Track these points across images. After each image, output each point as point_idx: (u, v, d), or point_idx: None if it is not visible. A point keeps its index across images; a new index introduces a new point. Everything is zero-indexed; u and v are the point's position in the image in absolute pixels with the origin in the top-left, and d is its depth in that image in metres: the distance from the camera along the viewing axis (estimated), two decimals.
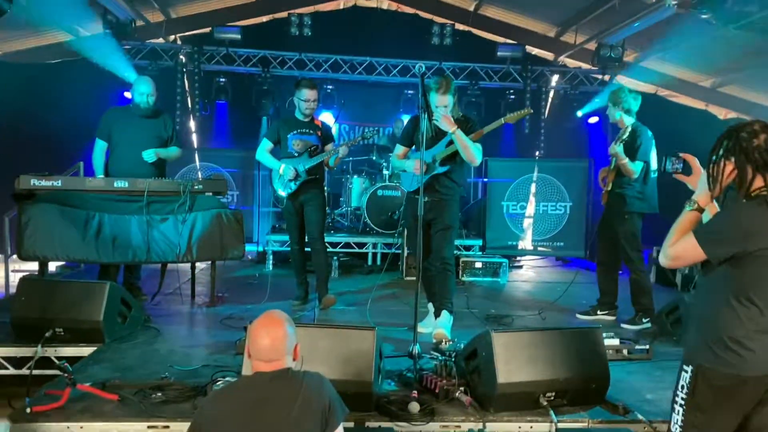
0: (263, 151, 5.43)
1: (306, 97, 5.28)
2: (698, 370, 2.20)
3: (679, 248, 2.24)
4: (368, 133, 5.82)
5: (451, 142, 4.51)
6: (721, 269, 2.18)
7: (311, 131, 5.39)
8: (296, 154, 5.33)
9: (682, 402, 2.25)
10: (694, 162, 2.50)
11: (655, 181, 5.10)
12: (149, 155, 5.28)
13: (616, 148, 4.85)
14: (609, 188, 5.14)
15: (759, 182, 2.16)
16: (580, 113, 9.92)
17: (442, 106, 4.46)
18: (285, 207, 5.50)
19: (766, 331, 2.14)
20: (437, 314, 4.69)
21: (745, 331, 2.13)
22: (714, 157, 2.24)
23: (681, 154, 2.54)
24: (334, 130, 8.16)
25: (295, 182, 5.28)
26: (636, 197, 5.05)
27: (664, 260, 2.30)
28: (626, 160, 4.87)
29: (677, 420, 2.27)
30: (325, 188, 6.01)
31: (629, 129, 4.97)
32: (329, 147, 5.41)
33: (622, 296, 5.40)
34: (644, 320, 5.10)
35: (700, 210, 2.31)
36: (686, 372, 2.24)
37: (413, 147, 4.76)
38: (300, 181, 5.28)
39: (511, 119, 4.59)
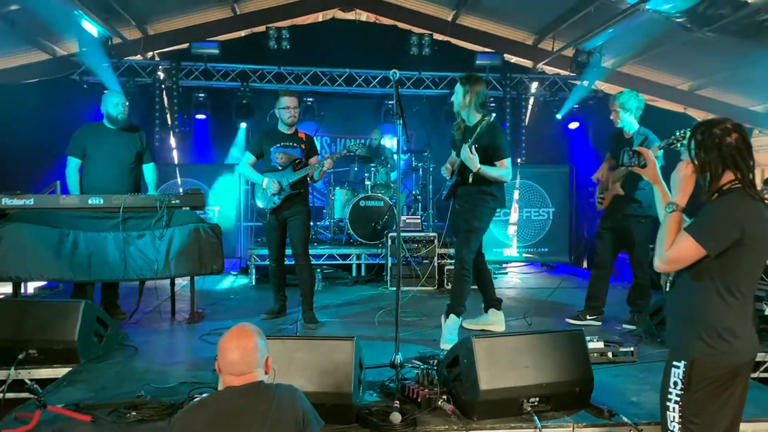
0: (245, 164, 5.35)
1: (286, 104, 5.22)
2: (693, 364, 2.22)
3: (679, 250, 2.25)
4: (353, 146, 5.57)
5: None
6: (704, 263, 2.22)
7: (295, 144, 5.30)
8: (280, 168, 5.23)
9: (678, 399, 2.24)
10: (649, 155, 2.64)
11: None
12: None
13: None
14: (621, 192, 5.00)
15: (729, 176, 2.25)
16: (559, 115, 9.96)
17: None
18: (267, 221, 5.33)
19: (749, 317, 2.24)
20: (446, 316, 4.77)
21: (734, 320, 2.20)
22: (700, 155, 2.30)
23: (637, 148, 2.71)
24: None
25: (278, 197, 5.18)
26: (651, 201, 4.99)
27: (662, 265, 2.31)
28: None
29: (674, 417, 2.26)
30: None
31: (642, 136, 4.89)
32: (313, 160, 5.34)
33: (610, 301, 5.39)
34: None
35: (682, 210, 2.34)
36: (677, 368, 2.26)
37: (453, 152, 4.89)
38: (284, 196, 5.19)
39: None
